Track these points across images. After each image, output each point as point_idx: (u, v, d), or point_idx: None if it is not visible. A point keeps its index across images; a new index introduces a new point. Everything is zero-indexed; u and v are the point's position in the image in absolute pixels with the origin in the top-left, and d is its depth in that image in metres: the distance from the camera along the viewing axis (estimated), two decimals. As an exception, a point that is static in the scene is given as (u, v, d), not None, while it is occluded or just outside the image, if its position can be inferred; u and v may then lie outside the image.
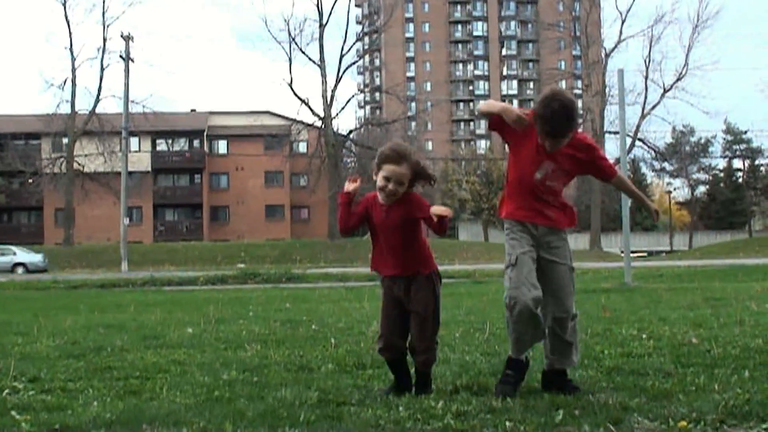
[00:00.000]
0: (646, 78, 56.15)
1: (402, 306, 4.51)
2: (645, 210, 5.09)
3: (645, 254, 62.74)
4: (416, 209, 4.45)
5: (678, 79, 55.55)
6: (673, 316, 8.41)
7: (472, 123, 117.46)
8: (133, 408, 4.23)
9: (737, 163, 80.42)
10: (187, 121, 66.22)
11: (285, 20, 56.14)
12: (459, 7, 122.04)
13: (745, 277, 18.44)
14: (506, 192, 4.65)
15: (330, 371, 5.38)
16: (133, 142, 55.45)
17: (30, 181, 55.71)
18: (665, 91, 55.83)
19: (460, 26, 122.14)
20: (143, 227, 62.90)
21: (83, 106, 54.00)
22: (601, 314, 8.92)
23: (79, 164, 54.00)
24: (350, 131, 60.79)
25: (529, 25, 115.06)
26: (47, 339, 7.69)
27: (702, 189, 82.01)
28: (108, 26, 53.07)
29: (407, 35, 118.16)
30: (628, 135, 39.39)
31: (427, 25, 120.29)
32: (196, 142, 67.38)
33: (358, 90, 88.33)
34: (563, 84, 78.12)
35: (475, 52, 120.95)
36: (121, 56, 42.60)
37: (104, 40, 52.85)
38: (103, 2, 54.69)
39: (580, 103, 69.85)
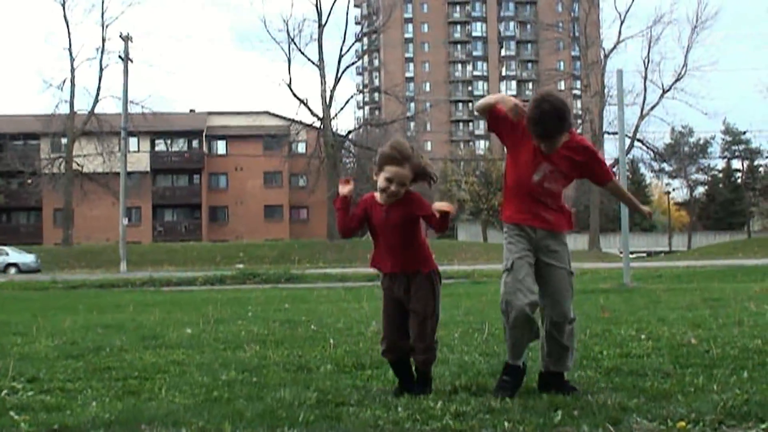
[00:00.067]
0: (645, 78, 56.25)
1: (403, 307, 4.52)
2: (639, 213, 5.13)
3: (644, 255, 62.80)
4: (417, 208, 4.45)
5: (677, 80, 55.65)
6: (672, 317, 8.42)
7: (471, 123, 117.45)
8: (131, 408, 4.23)
9: (736, 164, 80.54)
10: (186, 122, 66.20)
11: (284, 20, 56.33)
12: (458, 7, 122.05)
13: (744, 278, 18.45)
14: (505, 195, 4.65)
15: (329, 371, 5.38)
16: (132, 142, 55.40)
17: (29, 181, 55.69)
18: (664, 91, 55.90)
19: (459, 27, 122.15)
20: (142, 227, 62.88)
21: (82, 106, 54.04)
22: (599, 315, 8.93)
23: (78, 164, 53.97)
24: (349, 132, 60.79)
25: (528, 26, 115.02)
26: (46, 339, 7.69)
27: (701, 189, 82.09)
28: (107, 26, 53.11)
29: (406, 36, 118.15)
30: (627, 136, 39.38)
31: (426, 25, 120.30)
32: (195, 143, 67.37)
33: (357, 90, 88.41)
34: (562, 84, 78.34)
35: (474, 53, 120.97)
36: (120, 56, 42.55)
37: (103, 40, 52.87)
38: (102, 2, 54.83)
39: (578, 104, 70.10)
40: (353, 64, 62.95)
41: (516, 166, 4.54)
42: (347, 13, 67.01)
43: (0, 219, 65.23)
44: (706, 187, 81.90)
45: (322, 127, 53.39)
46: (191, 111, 70.67)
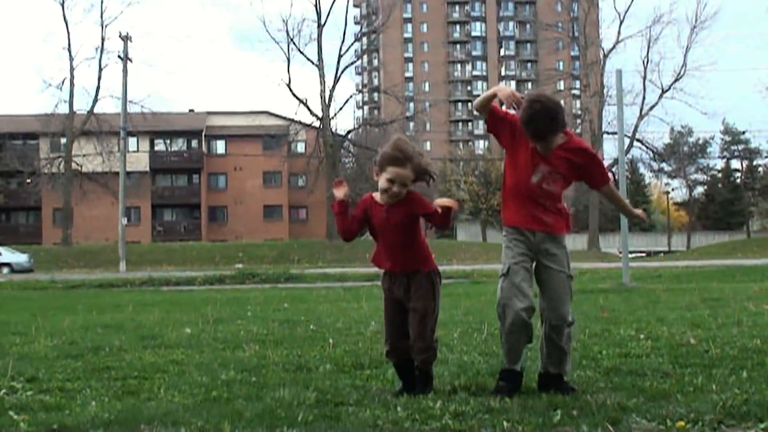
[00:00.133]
0: (645, 78, 56.28)
1: (403, 308, 4.52)
2: (633, 218, 5.12)
3: (643, 255, 62.79)
4: (418, 207, 4.45)
5: (676, 80, 55.68)
6: (671, 317, 8.43)
7: (470, 123, 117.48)
8: (131, 408, 4.23)
9: (735, 164, 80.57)
10: (186, 121, 66.19)
11: (283, 20, 55.90)
12: (457, 7, 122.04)
13: (743, 278, 18.47)
14: (503, 197, 4.65)
15: (328, 371, 5.38)
16: (132, 142, 55.37)
17: (28, 181, 55.63)
18: (663, 91, 55.93)
19: (458, 27, 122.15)
20: (141, 227, 62.87)
21: (81, 106, 54.00)
22: (599, 315, 8.93)
23: (77, 164, 53.96)
24: (348, 131, 60.79)
25: (528, 26, 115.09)
26: (45, 339, 7.68)
27: (700, 189, 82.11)
28: (106, 26, 53.09)
29: (405, 36, 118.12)
30: (626, 135, 39.44)
31: (425, 25, 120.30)
32: (194, 142, 67.35)
33: (357, 90, 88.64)
34: (561, 84, 78.29)
35: (474, 53, 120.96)
36: (119, 56, 42.54)
37: (102, 40, 52.86)
38: (102, 2, 54.94)
39: (578, 104, 70.17)
40: (352, 63, 62.93)
41: (514, 168, 4.54)
42: (346, 13, 67.03)
43: (-1, 219, 65.31)
44: (706, 187, 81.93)
45: (321, 126, 53.39)
46: (190, 111, 70.64)
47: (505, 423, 3.65)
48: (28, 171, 54.73)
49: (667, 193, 79.18)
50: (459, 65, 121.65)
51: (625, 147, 27.57)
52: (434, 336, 4.53)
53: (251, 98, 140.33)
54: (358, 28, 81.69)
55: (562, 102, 4.68)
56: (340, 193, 4.46)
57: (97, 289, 22.95)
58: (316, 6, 53.87)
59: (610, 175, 4.88)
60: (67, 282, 25.26)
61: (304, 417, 3.86)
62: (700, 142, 74.95)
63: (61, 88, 52.16)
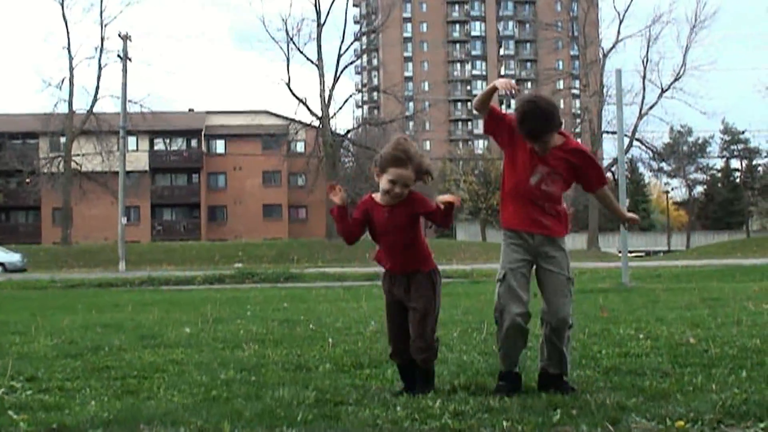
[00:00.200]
0: (644, 78, 56.32)
1: (405, 309, 4.52)
2: (625, 222, 5.11)
3: (642, 254, 62.79)
4: (420, 206, 4.45)
5: (676, 80, 55.69)
6: (671, 316, 8.42)
7: (469, 123, 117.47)
8: (130, 407, 4.22)
9: (735, 164, 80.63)
10: (185, 121, 66.16)
11: (283, 20, 55.77)
12: (457, 7, 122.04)
13: (743, 277, 18.47)
14: (502, 199, 4.63)
15: (327, 371, 5.38)
16: (131, 141, 55.34)
17: (27, 180, 55.61)
18: (663, 91, 55.95)
19: (457, 26, 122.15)
20: (141, 227, 62.85)
21: (81, 105, 53.99)
22: (598, 314, 8.93)
23: (76, 164, 53.95)
24: (348, 131, 60.78)
25: (527, 25, 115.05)
26: (45, 338, 7.68)
27: (699, 189, 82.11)
28: (106, 26, 53.11)
29: (405, 35, 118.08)
30: (626, 135, 39.39)
31: (424, 25, 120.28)
32: (193, 142, 67.34)
33: (356, 90, 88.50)
34: (561, 84, 78.29)
35: (473, 52, 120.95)
36: (118, 56, 42.49)
37: (102, 39, 52.88)
38: (101, 2, 54.74)
39: (577, 103, 70.20)
40: (352, 63, 62.89)
41: (513, 169, 4.53)
42: (346, 13, 66.66)
43: (-1, 218, 65.28)
44: (705, 186, 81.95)
45: (320, 126, 53.38)
46: (190, 110, 70.63)
47: (504, 422, 3.65)
48: (27, 170, 54.70)
49: (667, 192, 79.22)
50: (458, 65, 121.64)
51: (625, 146, 27.56)
52: (435, 335, 4.53)
53: (251, 98, 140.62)
54: (357, 27, 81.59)
55: (560, 102, 4.68)
56: (337, 198, 4.42)
57: (97, 288, 22.93)
58: (315, 5, 53.90)
59: (609, 175, 4.87)
60: (66, 281, 25.25)
61: (304, 416, 3.86)
62: (700, 141, 74.98)
63: (60, 88, 52.22)
